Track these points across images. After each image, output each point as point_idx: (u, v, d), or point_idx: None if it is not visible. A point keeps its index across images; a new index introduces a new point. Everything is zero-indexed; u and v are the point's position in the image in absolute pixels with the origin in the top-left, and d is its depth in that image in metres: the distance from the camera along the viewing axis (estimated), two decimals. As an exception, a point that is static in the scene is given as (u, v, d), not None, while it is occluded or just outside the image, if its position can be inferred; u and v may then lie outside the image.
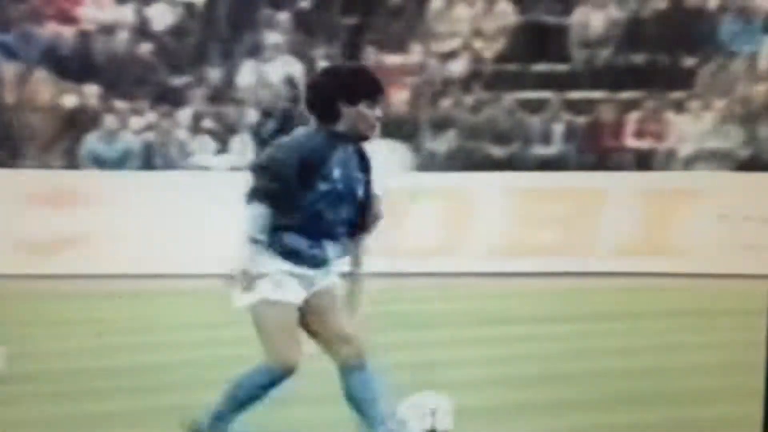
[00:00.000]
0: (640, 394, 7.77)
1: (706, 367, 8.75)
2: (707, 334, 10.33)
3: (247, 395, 5.61)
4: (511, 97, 16.03)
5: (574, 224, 14.66)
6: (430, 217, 14.77)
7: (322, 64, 16.36)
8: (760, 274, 12.13)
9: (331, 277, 5.69)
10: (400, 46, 16.80)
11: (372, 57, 16.53)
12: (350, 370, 5.61)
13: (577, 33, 16.96)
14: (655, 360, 9.09)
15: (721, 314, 11.35)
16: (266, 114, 15.92)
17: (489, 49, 16.94)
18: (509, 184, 15.04)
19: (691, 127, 15.74)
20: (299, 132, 5.63)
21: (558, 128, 15.82)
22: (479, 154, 15.68)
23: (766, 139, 15.65)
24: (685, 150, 15.53)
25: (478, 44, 16.97)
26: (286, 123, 14.56)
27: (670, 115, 15.82)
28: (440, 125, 15.95)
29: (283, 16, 16.82)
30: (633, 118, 15.76)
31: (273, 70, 16.26)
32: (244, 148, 15.57)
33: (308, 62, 16.35)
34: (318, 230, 5.54)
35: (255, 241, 5.48)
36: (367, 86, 5.56)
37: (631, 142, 15.63)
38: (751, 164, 15.41)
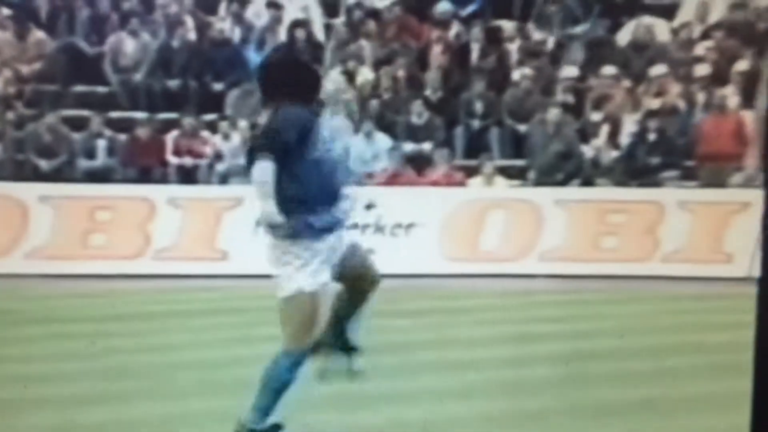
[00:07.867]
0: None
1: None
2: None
3: (278, 383, 5.79)
4: (53, 115, 16.58)
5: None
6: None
7: None
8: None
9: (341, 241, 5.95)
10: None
11: None
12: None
13: (111, 58, 17.97)
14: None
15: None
16: None
17: (29, 71, 17.56)
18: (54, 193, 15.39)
19: (223, 145, 16.95)
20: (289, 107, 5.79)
21: (101, 143, 16.54)
22: (28, 166, 16.16)
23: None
24: (221, 166, 16.67)
25: (18, 65, 17.53)
26: None
27: (206, 135, 16.93)
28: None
29: None
30: (172, 136, 16.77)
31: None
32: None
33: None
34: (321, 198, 5.71)
35: (265, 190, 5.55)
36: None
37: (172, 158, 16.59)
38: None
